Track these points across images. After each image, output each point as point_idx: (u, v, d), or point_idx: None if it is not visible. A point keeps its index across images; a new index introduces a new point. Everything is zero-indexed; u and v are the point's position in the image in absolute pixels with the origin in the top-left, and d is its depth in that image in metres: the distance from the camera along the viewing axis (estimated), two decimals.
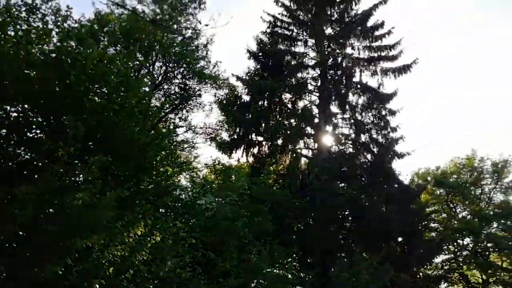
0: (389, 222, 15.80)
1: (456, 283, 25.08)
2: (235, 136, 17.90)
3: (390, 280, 14.41)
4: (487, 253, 24.35)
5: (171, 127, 15.32)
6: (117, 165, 7.71)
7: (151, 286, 8.09)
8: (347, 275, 12.70)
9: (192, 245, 9.36)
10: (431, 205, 25.18)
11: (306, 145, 18.68)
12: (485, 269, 23.63)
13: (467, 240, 24.78)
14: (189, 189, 12.66)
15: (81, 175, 7.11)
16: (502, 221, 24.37)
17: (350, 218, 17.62)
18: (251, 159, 18.06)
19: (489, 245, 24.07)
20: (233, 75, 18.22)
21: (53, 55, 7.20)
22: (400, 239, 17.72)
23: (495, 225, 24.79)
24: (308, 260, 16.25)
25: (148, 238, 8.10)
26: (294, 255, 15.13)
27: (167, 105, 15.69)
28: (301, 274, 15.16)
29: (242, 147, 17.72)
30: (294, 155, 18.21)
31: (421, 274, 20.49)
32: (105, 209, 6.31)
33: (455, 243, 24.79)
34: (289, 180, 16.71)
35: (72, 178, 7.17)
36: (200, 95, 17.34)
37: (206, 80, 16.78)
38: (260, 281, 10.57)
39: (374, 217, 15.71)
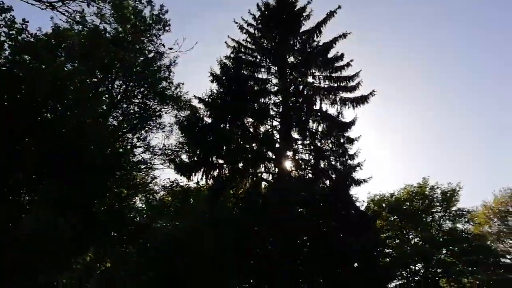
0: (347, 248, 16.01)
1: None
2: (195, 158, 17.60)
3: None
4: (437, 278, 25.28)
5: (129, 147, 14.83)
6: (72, 190, 7.27)
7: None
8: None
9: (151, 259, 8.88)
10: (386, 231, 26.01)
11: (266, 169, 18.70)
12: None
13: (418, 266, 25.65)
14: (144, 211, 12.17)
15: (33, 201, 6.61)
16: (451, 247, 25.59)
17: (308, 244, 17.65)
18: (211, 182, 17.78)
19: (438, 270, 25.03)
20: (195, 97, 18.14)
21: (4, 68, 6.79)
22: (356, 264, 17.98)
23: (444, 251, 25.95)
24: (266, 286, 16.00)
25: (98, 265, 7.62)
26: (252, 281, 14.87)
27: (125, 124, 15.21)
28: None
29: (202, 170, 17.41)
30: (255, 178, 18.17)
31: None
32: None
33: (408, 269, 25.57)
34: (249, 204, 16.58)
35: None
36: (160, 116, 17.01)
37: (168, 101, 16.53)
38: None
39: (333, 242, 15.86)
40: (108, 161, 8.16)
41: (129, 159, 13.08)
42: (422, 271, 25.29)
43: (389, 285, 23.62)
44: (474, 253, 24.59)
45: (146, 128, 16.38)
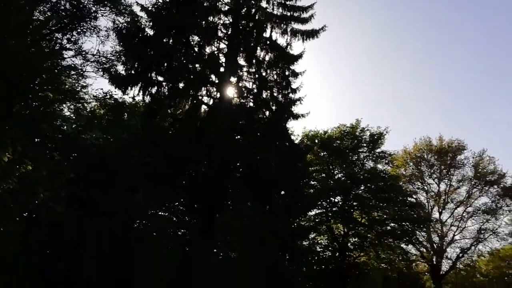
0: (277, 177, 16.86)
1: (322, 234, 28.69)
2: (133, 72, 16.47)
3: (272, 229, 15.66)
4: (352, 210, 28.06)
5: (57, 48, 13.28)
6: None
7: (17, 218, 7.23)
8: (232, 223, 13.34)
9: (71, 180, 8.53)
10: (315, 165, 27.68)
11: (208, 93, 18.29)
12: (347, 223, 27.34)
13: (338, 198, 28.12)
14: (72, 120, 11.36)
15: None
16: (369, 184, 28.21)
17: (241, 170, 18.23)
18: (148, 99, 17.00)
19: (355, 203, 27.72)
20: (137, 4, 16.49)
21: None
22: (283, 192, 19.21)
23: (362, 187, 28.57)
24: (196, 206, 16.49)
25: (17, 167, 7.08)
26: (183, 200, 15.18)
27: (54, 21, 13.40)
28: (187, 218, 15.41)
29: (140, 85, 16.43)
30: (195, 101, 17.74)
31: (295, 224, 22.66)
32: None
33: (328, 200, 27.92)
34: (187, 126, 16.35)
35: None
36: (96, 18, 15.18)
37: (105, 2, 14.75)
38: (144, 222, 10.33)
39: (265, 170, 16.56)
40: (32, 60, 7.22)
41: (57, 61, 11.79)
42: (340, 203, 27.79)
43: (310, 213, 25.97)
44: (387, 191, 27.40)
45: (79, 30, 14.59)
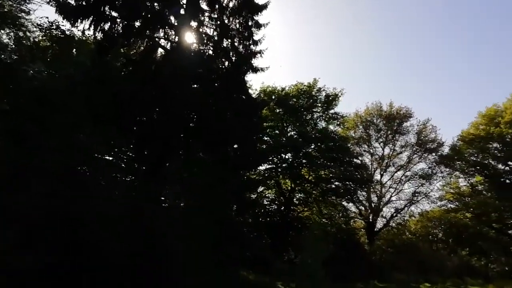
0: (230, 128, 16.83)
1: (271, 188, 29.70)
2: (84, 3, 15.06)
3: (219, 179, 15.79)
4: (300, 167, 29.08)
5: None
6: None
7: None
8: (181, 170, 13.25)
9: (4, 112, 7.86)
10: (269, 121, 27.97)
11: (166, 36, 17.32)
12: (295, 179, 28.43)
13: (289, 155, 28.90)
14: (10, 49, 10.29)
15: None
16: (319, 144, 29.16)
17: (195, 119, 17.91)
18: (100, 36, 15.76)
19: (304, 161, 28.68)
20: None
21: None
22: (236, 145, 19.31)
23: (313, 146, 29.50)
24: (145, 152, 16.15)
25: None
26: (132, 145, 14.75)
27: None
28: (136, 164, 15.08)
29: (91, 18, 15.11)
30: (151, 43, 16.78)
31: (245, 177, 23.05)
32: None
33: (279, 156, 28.63)
34: (141, 69, 15.53)
35: None
36: None
37: None
38: (87, 165, 9.93)
39: (219, 121, 16.41)
40: None
41: None
42: (290, 160, 28.62)
43: (261, 167, 26.57)
44: (335, 151, 28.56)
45: None
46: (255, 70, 18.60)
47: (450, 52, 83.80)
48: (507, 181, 35.01)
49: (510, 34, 78.20)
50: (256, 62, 18.47)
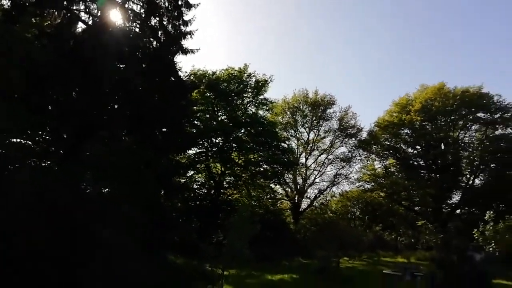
0: (159, 111, 16.28)
1: (201, 172, 29.57)
2: None
3: (146, 163, 15.29)
4: (231, 151, 29.34)
5: None
6: None
7: None
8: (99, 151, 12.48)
9: None
10: (200, 105, 27.56)
11: (87, 10, 16.00)
12: (225, 163, 28.62)
13: (219, 139, 28.94)
14: None
15: None
16: (249, 128, 29.61)
17: (119, 99, 16.97)
18: (7, 3, 14.07)
19: (234, 145, 28.97)
20: None
21: None
22: (164, 129, 18.78)
23: (242, 130, 29.87)
24: (64, 135, 14.98)
25: None
26: (47, 127, 13.57)
27: None
28: (52, 148, 13.93)
29: None
30: (69, 15, 15.39)
31: (174, 161, 22.61)
32: None
33: (209, 140, 28.54)
34: (57, 42, 14.19)
35: None
36: None
37: None
38: None
39: (147, 104, 15.77)
40: None
41: None
42: (220, 144, 28.69)
43: (190, 151, 26.25)
44: (264, 135, 29.26)
45: None
46: (185, 51, 18.14)
47: (373, 47, 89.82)
48: (415, 163, 39.15)
49: (420, 30, 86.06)
50: (187, 43, 18.05)
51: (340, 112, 38.47)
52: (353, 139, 38.33)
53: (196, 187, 29.25)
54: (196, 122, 27.30)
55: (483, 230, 24.21)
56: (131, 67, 16.35)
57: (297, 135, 38.66)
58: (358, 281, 15.84)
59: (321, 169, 38.62)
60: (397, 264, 21.36)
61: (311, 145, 38.30)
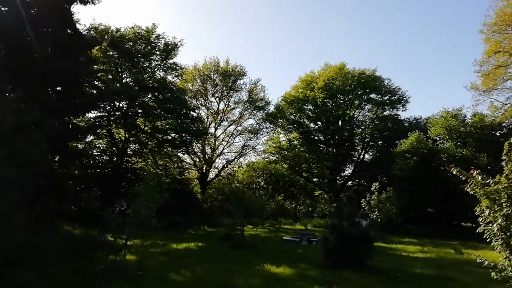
0: (52, 68, 14.34)
1: (102, 138, 27.33)
2: None
3: (35, 124, 13.46)
4: (136, 117, 27.62)
5: None
6: None
7: None
8: None
9: None
10: (101, 64, 25.04)
11: None
12: (130, 129, 26.88)
13: (123, 103, 26.93)
14: None
15: None
16: (156, 93, 28.12)
17: (4, 53, 14.47)
18: None
19: (140, 110, 27.29)
20: None
21: None
22: (59, 88, 16.70)
23: (150, 95, 28.27)
24: None
25: None
26: None
27: None
28: None
29: None
30: None
31: (70, 124, 20.44)
32: None
33: (112, 104, 26.37)
34: None
35: None
36: None
37: None
38: None
39: (37, 58, 13.72)
40: None
41: None
42: (125, 108, 26.72)
43: (90, 114, 23.87)
44: (173, 102, 28.11)
45: None
46: (85, 1, 16.11)
47: (286, 23, 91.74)
48: (316, 137, 42.01)
49: (329, 11, 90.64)
50: None
51: (250, 84, 38.90)
52: (261, 111, 39.30)
53: (96, 153, 27.01)
54: (96, 83, 24.73)
55: (369, 200, 27.49)
56: (17, 13, 13.94)
57: (207, 104, 38.18)
58: (260, 247, 16.58)
59: (229, 139, 39.02)
60: (295, 231, 23.02)
61: (220, 115, 38.20)
